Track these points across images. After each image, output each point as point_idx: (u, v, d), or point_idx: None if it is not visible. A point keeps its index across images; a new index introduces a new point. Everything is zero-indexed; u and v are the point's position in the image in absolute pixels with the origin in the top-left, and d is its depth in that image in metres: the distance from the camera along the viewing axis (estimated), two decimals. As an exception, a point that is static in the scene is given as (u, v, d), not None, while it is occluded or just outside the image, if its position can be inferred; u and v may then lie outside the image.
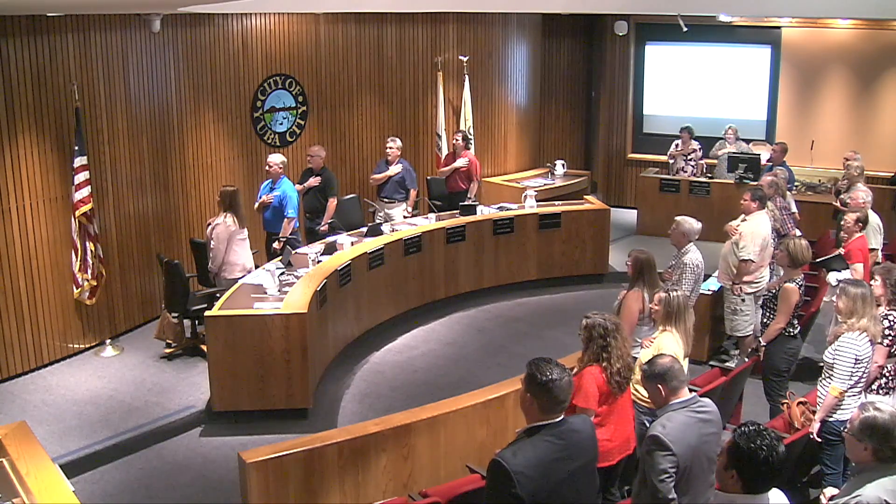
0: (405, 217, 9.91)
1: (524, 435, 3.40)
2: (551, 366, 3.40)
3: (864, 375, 5.12)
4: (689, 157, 11.98)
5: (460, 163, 10.56)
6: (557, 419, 3.39)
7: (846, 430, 3.79)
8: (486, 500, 3.42)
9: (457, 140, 10.67)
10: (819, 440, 5.10)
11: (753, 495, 3.23)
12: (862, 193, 8.07)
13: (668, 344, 5.11)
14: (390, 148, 10.01)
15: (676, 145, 12.06)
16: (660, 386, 3.93)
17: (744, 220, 7.51)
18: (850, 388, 5.03)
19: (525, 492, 3.18)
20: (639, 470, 3.98)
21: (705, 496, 3.86)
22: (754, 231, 7.34)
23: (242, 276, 7.74)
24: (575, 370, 4.68)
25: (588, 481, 3.50)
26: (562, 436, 3.35)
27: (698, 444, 3.82)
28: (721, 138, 12.07)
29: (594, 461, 3.57)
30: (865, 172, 9.91)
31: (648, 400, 5.02)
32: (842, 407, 5.04)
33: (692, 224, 6.93)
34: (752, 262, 7.30)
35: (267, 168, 8.76)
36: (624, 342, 4.72)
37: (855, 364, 5.00)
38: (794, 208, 8.94)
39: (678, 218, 7.03)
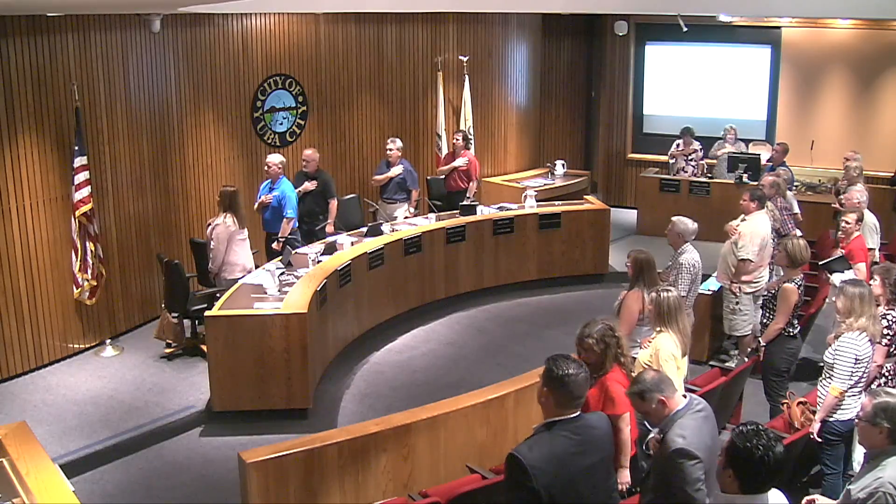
0: (406, 217, 9.92)
1: (541, 430, 3.43)
2: (569, 361, 3.45)
3: (865, 375, 5.11)
4: (689, 158, 11.99)
5: (459, 162, 10.56)
6: (573, 414, 3.41)
7: (858, 420, 3.83)
8: (506, 496, 3.46)
9: (456, 140, 10.68)
10: (819, 440, 5.10)
11: (752, 495, 3.23)
12: (857, 194, 8.07)
13: (666, 344, 5.11)
14: (390, 149, 10.01)
15: (678, 145, 12.06)
16: (661, 398, 3.91)
17: (743, 220, 7.52)
18: (851, 388, 5.03)
19: (541, 485, 3.22)
20: (651, 477, 3.97)
21: (713, 492, 3.89)
22: (753, 231, 7.34)
23: (242, 277, 7.74)
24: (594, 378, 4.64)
25: (604, 477, 3.52)
26: (578, 431, 3.38)
27: (712, 444, 3.87)
28: (720, 138, 12.08)
29: (610, 457, 3.60)
30: (865, 172, 9.92)
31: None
32: (842, 407, 5.03)
33: (687, 224, 6.92)
34: (751, 261, 7.30)
35: (266, 168, 8.77)
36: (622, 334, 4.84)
37: (855, 364, 5.00)
38: (796, 208, 8.96)
39: (674, 218, 7.03)
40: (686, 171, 12.00)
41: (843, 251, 7.28)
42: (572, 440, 3.36)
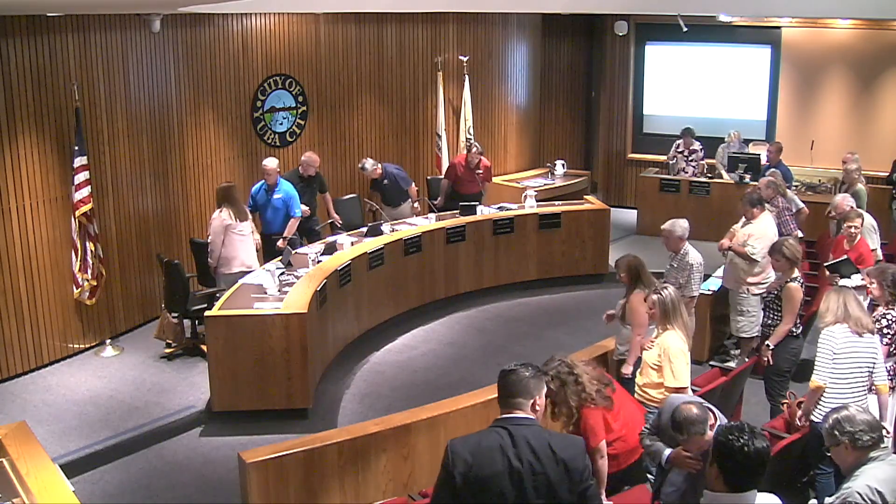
0: (413, 207, 9.99)
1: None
2: (518, 363, 3.47)
3: (858, 371, 5.05)
4: (690, 158, 11.97)
5: (483, 172, 10.47)
6: (510, 415, 3.38)
7: (827, 450, 3.98)
8: None
9: (472, 153, 10.37)
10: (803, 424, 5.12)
11: (738, 494, 3.23)
12: (843, 201, 8.08)
13: (674, 341, 5.13)
14: (369, 170, 9.89)
15: (678, 146, 12.05)
16: (711, 423, 3.99)
17: (745, 224, 7.55)
18: (844, 383, 4.99)
19: (457, 470, 3.25)
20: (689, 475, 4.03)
21: None
22: (763, 233, 7.40)
23: (241, 273, 7.74)
24: (569, 419, 4.61)
25: (543, 493, 3.29)
26: (511, 432, 3.33)
27: None
28: (723, 141, 12.05)
29: (560, 479, 3.29)
30: (865, 172, 9.93)
31: (657, 400, 5.03)
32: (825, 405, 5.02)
33: (683, 225, 6.98)
34: (758, 261, 7.32)
35: (266, 175, 8.66)
36: (582, 364, 4.72)
37: (834, 358, 5.01)
38: (800, 204, 9.00)
39: (666, 226, 7.01)
40: (686, 172, 11.99)
41: (842, 255, 7.30)
42: (502, 438, 3.31)
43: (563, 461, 3.29)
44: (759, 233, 7.38)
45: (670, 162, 12.16)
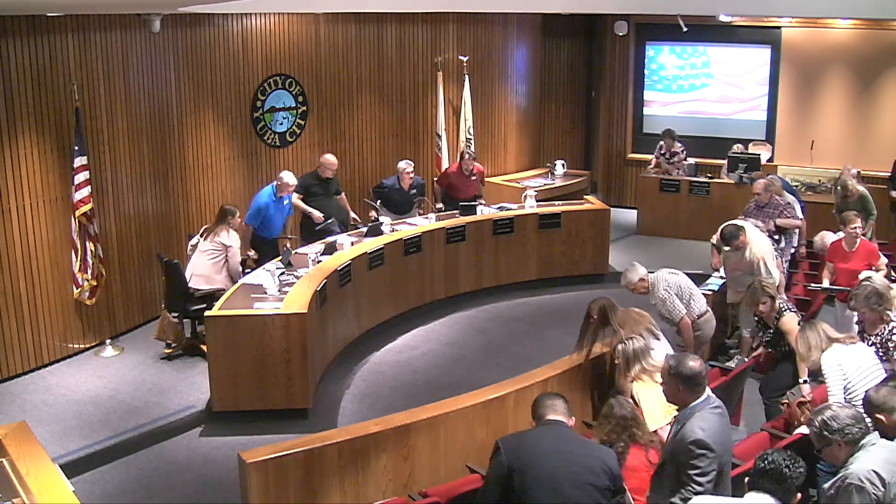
0: (420, 213, 10.03)
1: None
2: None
3: (872, 370, 5.05)
4: (671, 160, 11.95)
5: (477, 177, 10.48)
6: (554, 417, 3.97)
7: (818, 452, 4.06)
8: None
9: (466, 160, 10.36)
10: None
11: None
12: (819, 245, 8.16)
13: (643, 393, 5.24)
14: (410, 173, 9.91)
15: (660, 147, 12.05)
16: (680, 387, 4.02)
17: (734, 250, 7.48)
18: (856, 392, 4.99)
19: (507, 459, 3.78)
20: (667, 465, 4.04)
21: (729, 489, 4.02)
22: (765, 251, 7.37)
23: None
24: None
25: (585, 481, 3.76)
26: (556, 431, 3.92)
27: (727, 441, 4.01)
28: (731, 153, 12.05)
29: (597, 475, 3.77)
30: (865, 173, 9.95)
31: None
32: None
33: (634, 270, 6.76)
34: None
35: (285, 189, 8.72)
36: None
37: (843, 370, 5.04)
38: (799, 215, 9.01)
39: (623, 283, 6.86)
40: (671, 174, 11.98)
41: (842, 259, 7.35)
42: (553, 430, 3.93)
43: (599, 458, 3.84)
44: (763, 252, 7.36)
45: (657, 160, 12.16)
